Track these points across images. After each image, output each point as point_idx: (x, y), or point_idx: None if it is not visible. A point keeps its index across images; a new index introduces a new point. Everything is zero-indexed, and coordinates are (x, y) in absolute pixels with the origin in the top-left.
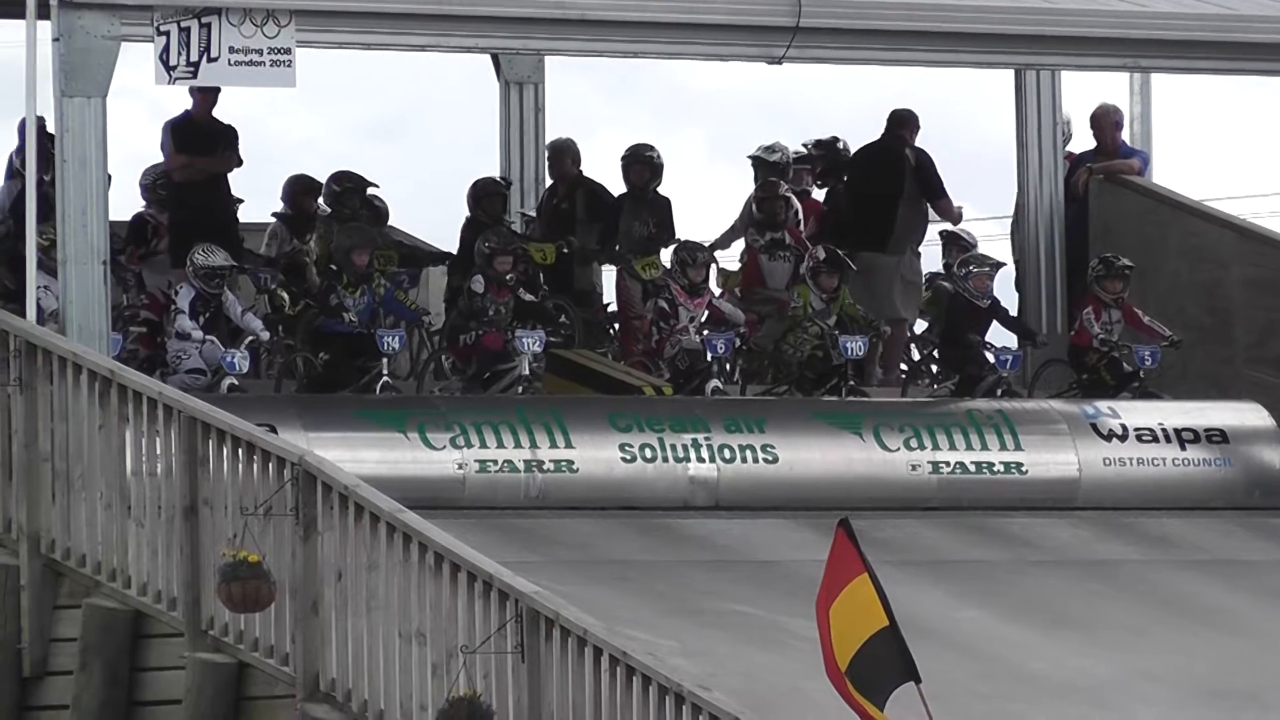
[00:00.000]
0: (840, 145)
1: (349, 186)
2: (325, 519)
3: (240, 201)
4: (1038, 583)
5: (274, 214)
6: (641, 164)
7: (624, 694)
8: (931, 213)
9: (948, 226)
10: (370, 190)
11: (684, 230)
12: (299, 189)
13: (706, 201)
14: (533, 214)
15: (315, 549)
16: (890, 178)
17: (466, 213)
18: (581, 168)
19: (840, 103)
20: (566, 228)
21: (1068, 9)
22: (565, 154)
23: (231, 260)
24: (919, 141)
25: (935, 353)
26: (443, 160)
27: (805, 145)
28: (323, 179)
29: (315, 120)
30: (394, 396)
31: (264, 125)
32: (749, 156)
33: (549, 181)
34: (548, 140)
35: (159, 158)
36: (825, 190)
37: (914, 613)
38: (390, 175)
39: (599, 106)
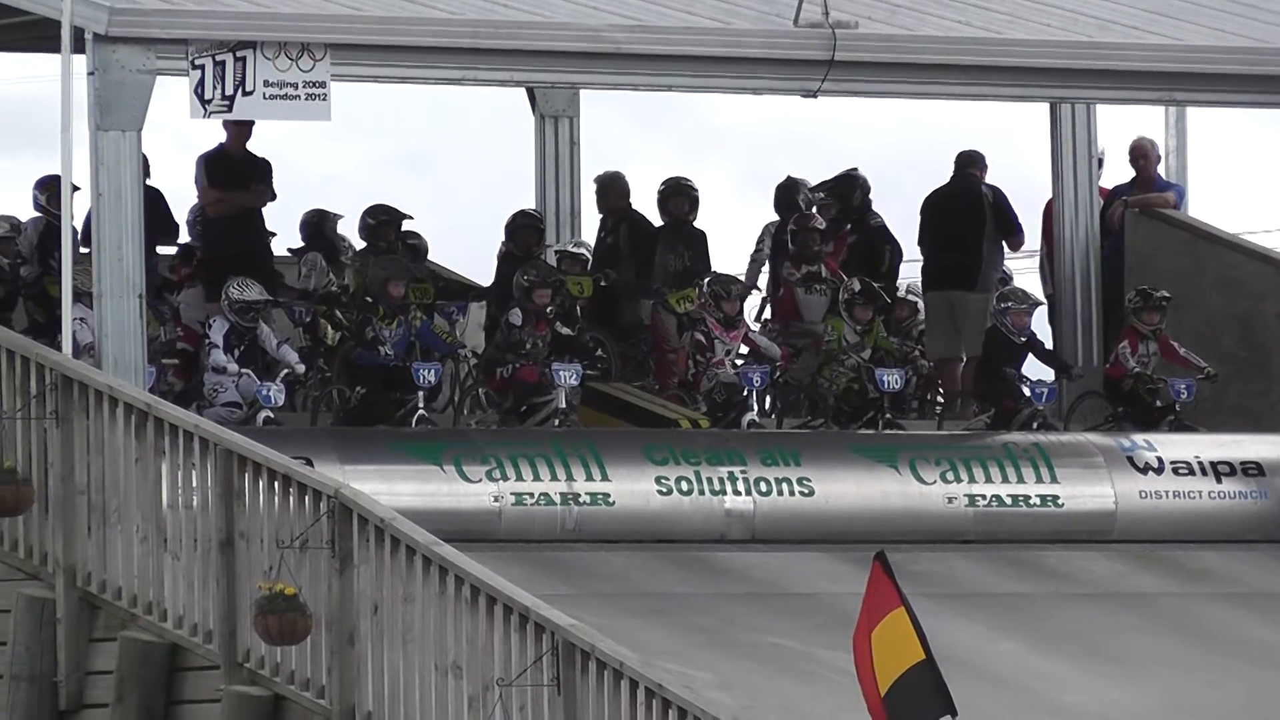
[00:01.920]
0: (855, 174)
1: (384, 220)
2: (361, 552)
3: (274, 235)
4: (1073, 615)
5: (297, 248)
6: (681, 196)
7: None
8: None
9: None
10: (406, 224)
11: (718, 264)
12: (316, 220)
13: (737, 235)
14: (576, 250)
15: (351, 581)
16: (971, 217)
17: (500, 245)
18: (630, 201)
19: (867, 136)
20: (613, 261)
21: (1103, 42)
22: (611, 188)
23: (266, 295)
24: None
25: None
26: (475, 194)
27: (819, 191)
28: (351, 212)
29: (345, 153)
30: (430, 429)
31: (292, 158)
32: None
33: (592, 214)
34: (582, 173)
35: (186, 189)
36: (849, 220)
37: (950, 646)
38: (422, 209)
39: (626, 140)
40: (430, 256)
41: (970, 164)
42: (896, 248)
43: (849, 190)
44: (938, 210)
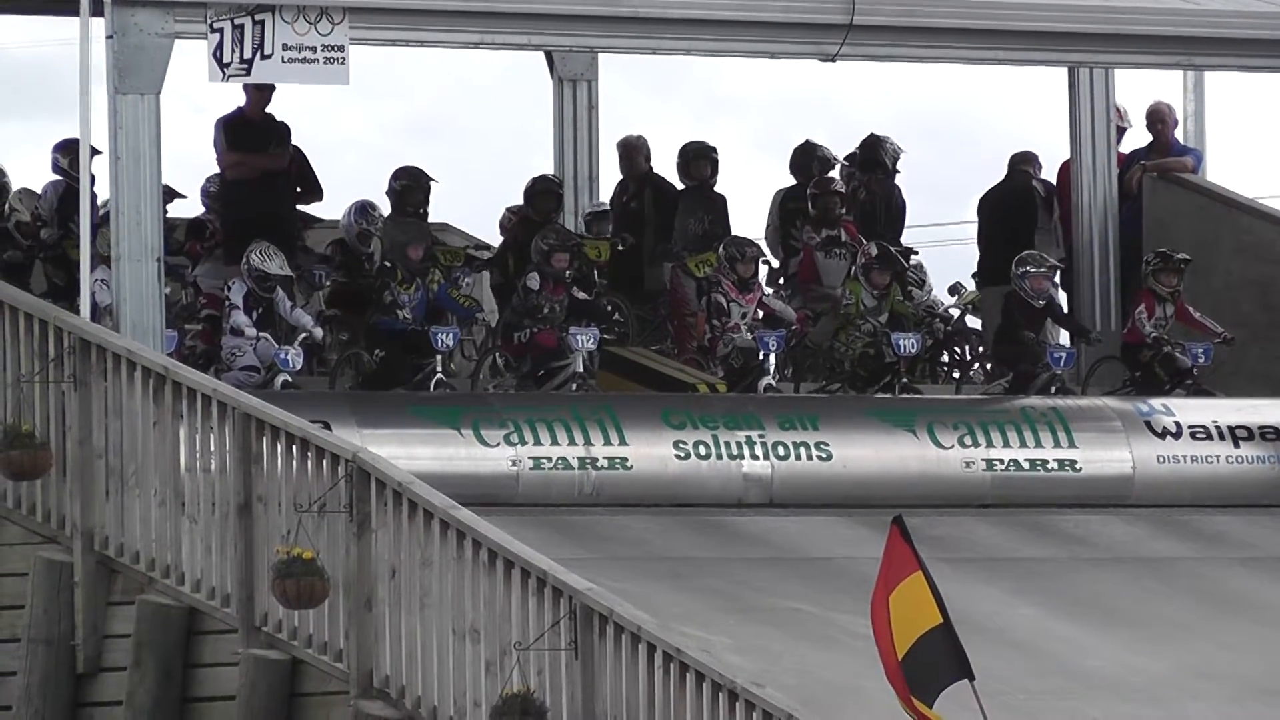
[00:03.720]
0: (887, 143)
1: (409, 183)
2: (379, 516)
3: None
4: (1091, 580)
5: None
6: (702, 159)
7: (677, 691)
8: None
9: None
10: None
11: (737, 227)
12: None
13: (751, 199)
14: (605, 207)
15: (369, 546)
16: (1023, 211)
17: (503, 212)
18: (652, 165)
19: (882, 101)
20: (636, 225)
21: (1121, 6)
22: (637, 151)
23: (286, 269)
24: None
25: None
26: (492, 158)
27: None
28: (369, 176)
29: (360, 117)
30: (448, 393)
31: (305, 122)
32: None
33: (610, 178)
34: (601, 137)
35: (200, 155)
36: (864, 182)
37: (968, 610)
38: (439, 173)
39: (639, 104)
40: (447, 220)
41: (1024, 162)
42: (898, 204)
43: (873, 159)
44: (991, 208)
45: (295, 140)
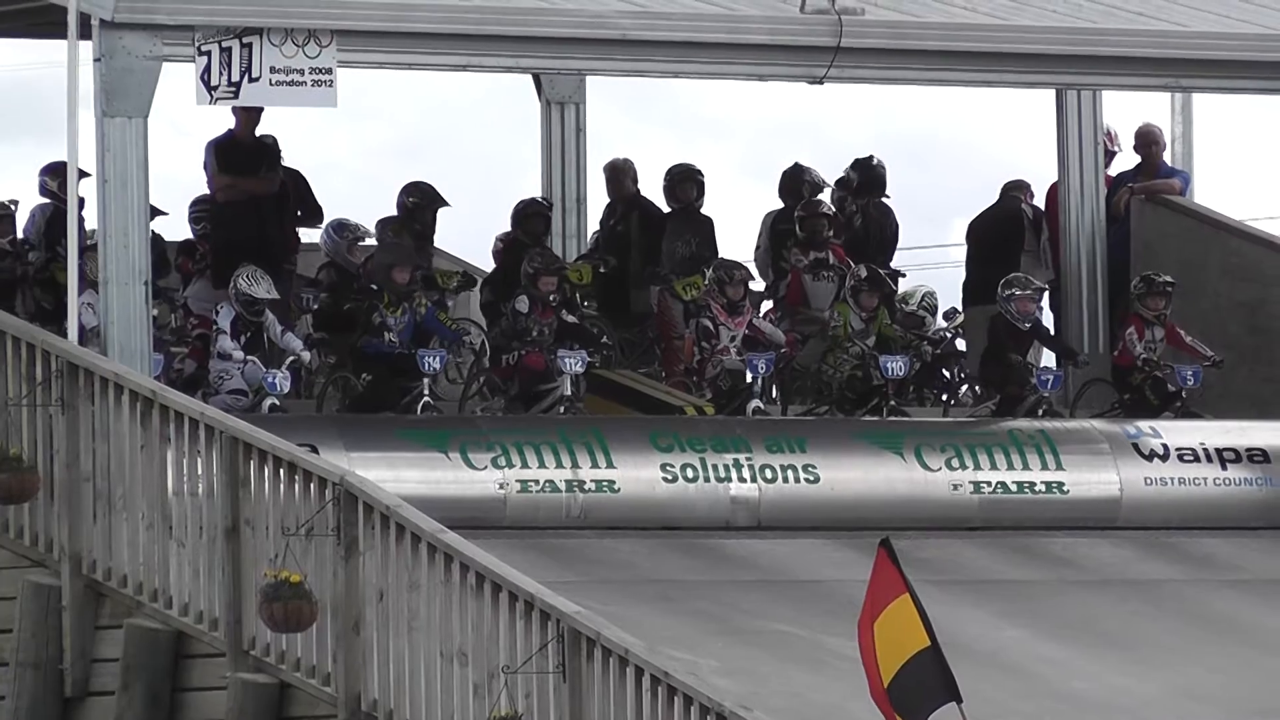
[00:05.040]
0: (876, 163)
1: (421, 204)
2: (367, 539)
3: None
4: (1079, 602)
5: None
6: (688, 182)
7: (665, 714)
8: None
9: None
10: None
11: (724, 250)
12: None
13: (737, 222)
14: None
15: (357, 569)
16: (1010, 234)
17: (494, 240)
18: (639, 187)
19: (867, 124)
20: (622, 248)
21: (1109, 29)
22: (624, 174)
23: (274, 293)
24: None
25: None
26: (480, 181)
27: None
28: (354, 199)
29: (347, 140)
30: (436, 416)
31: (291, 145)
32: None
33: (597, 201)
34: (588, 160)
35: (185, 177)
36: (862, 206)
37: (956, 632)
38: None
39: (624, 127)
40: (435, 243)
41: (1015, 189)
42: (892, 227)
43: (866, 181)
44: (979, 230)
45: (286, 163)
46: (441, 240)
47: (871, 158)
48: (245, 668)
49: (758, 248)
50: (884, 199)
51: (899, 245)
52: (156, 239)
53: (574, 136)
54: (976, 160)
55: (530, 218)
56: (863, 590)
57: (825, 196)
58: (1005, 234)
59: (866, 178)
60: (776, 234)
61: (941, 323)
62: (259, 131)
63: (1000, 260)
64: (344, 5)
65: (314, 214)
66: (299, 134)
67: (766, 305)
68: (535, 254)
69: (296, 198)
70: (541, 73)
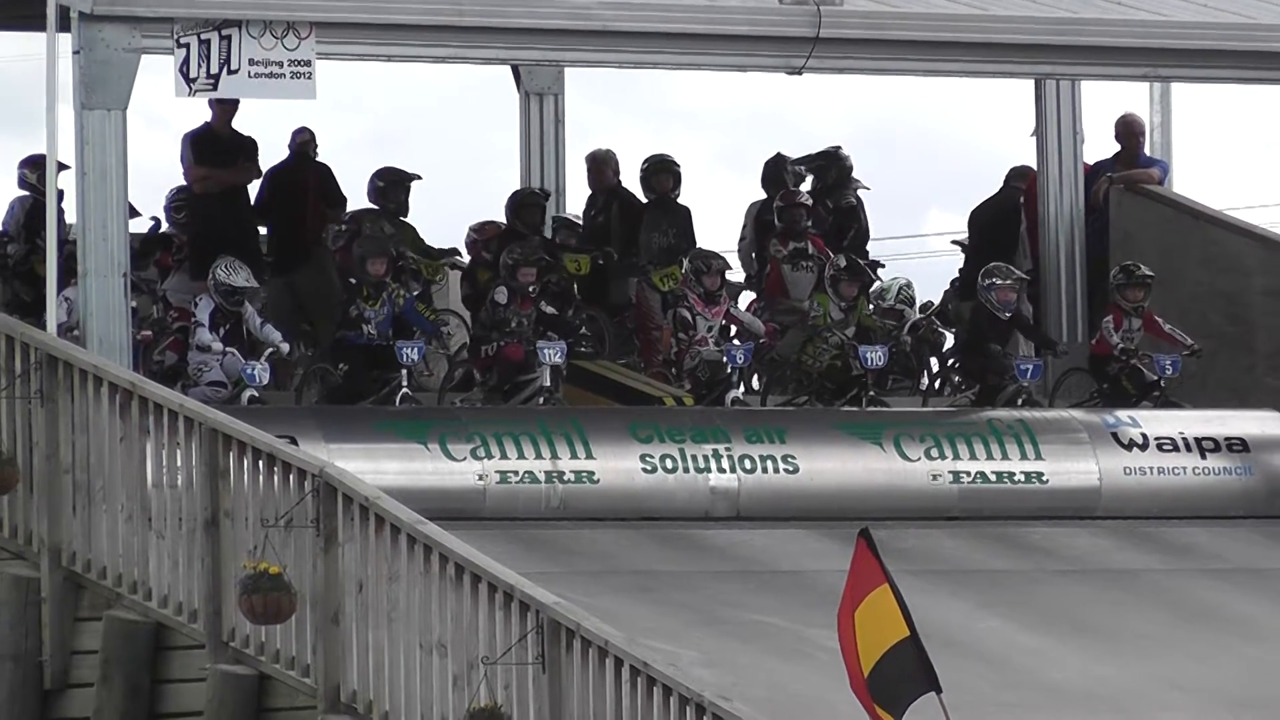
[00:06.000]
0: (843, 154)
1: (394, 180)
2: (346, 530)
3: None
4: (1059, 592)
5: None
6: (665, 172)
7: (645, 705)
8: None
9: (962, 234)
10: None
11: (701, 240)
12: None
13: (714, 212)
14: (577, 220)
15: (336, 560)
16: (1006, 225)
17: (468, 232)
18: (620, 178)
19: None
20: (602, 239)
21: (1087, 18)
22: (605, 164)
23: (253, 281)
24: None
25: (956, 363)
26: (457, 172)
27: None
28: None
29: (322, 131)
30: (415, 408)
31: (272, 136)
32: (803, 159)
33: (577, 191)
34: (567, 150)
35: (161, 170)
36: (832, 201)
37: (935, 622)
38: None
39: (601, 118)
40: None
41: (1017, 178)
42: (861, 229)
43: (826, 167)
44: (978, 221)
45: (320, 158)
46: (419, 230)
47: (838, 148)
48: (225, 659)
49: (742, 239)
50: (854, 190)
51: (872, 236)
52: (328, 172)
53: (553, 127)
54: (955, 151)
55: (527, 207)
56: (842, 580)
57: (806, 187)
58: (1001, 226)
59: (839, 171)
60: (761, 224)
61: (919, 315)
62: (236, 125)
63: (997, 251)
64: None
65: (338, 203)
66: (273, 126)
67: (750, 296)
68: (515, 245)
69: (322, 187)
70: (521, 64)
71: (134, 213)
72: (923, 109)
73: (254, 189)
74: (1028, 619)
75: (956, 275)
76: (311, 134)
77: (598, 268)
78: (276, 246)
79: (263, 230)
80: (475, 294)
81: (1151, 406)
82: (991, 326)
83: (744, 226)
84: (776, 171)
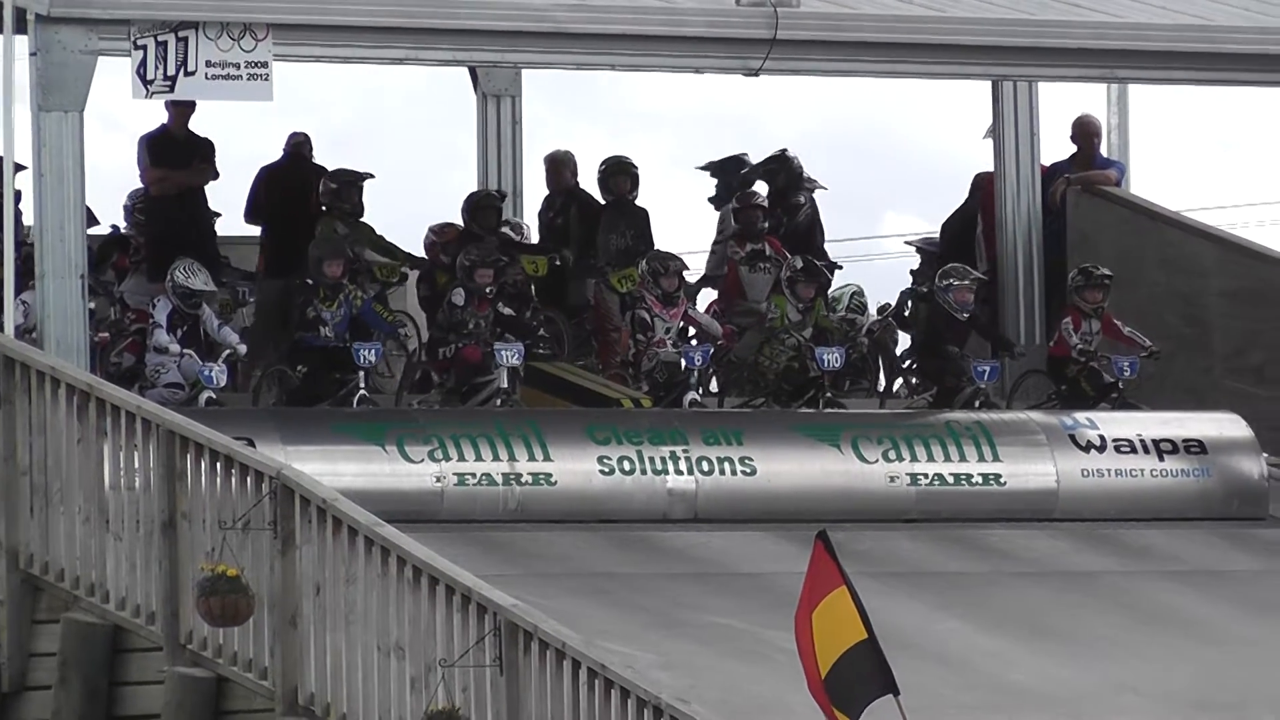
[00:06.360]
0: (790, 155)
1: (346, 180)
2: (304, 532)
3: (218, 215)
4: (1017, 594)
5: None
6: (622, 174)
7: (602, 707)
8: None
9: (916, 236)
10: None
11: (659, 242)
12: None
13: (674, 214)
14: (525, 223)
15: (294, 562)
16: (969, 231)
17: (427, 233)
18: (578, 180)
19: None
20: (561, 240)
21: (1045, 20)
22: (564, 166)
23: (211, 284)
24: None
25: (914, 364)
26: (414, 174)
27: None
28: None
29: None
30: (372, 409)
31: (230, 139)
32: (707, 166)
33: (534, 193)
34: (524, 152)
35: (116, 172)
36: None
37: (893, 624)
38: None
39: (560, 121)
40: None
41: (985, 183)
42: (810, 226)
43: (775, 171)
44: (949, 231)
45: (317, 160)
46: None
47: (784, 150)
48: (182, 661)
49: (716, 240)
50: (805, 190)
51: (827, 238)
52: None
53: (510, 129)
54: (912, 152)
55: (484, 210)
56: (800, 582)
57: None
58: (966, 233)
59: (790, 175)
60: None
61: (874, 317)
62: (192, 127)
63: (958, 256)
64: None
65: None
66: (227, 128)
67: (712, 295)
68: (471, 247)
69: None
70: (475, 65)
71: (93, 220)
72: (880, 110)
73: (211, 190)
74: (986, 621)
75: (910, 276)
76: (306, 136)
77: (555, 269)
78: (271, 247)
79: (256, 231)
80: (433, 296)
81: (1109, 408)
82: (949, 328)
83: (720, 229)
84: (727, 173)
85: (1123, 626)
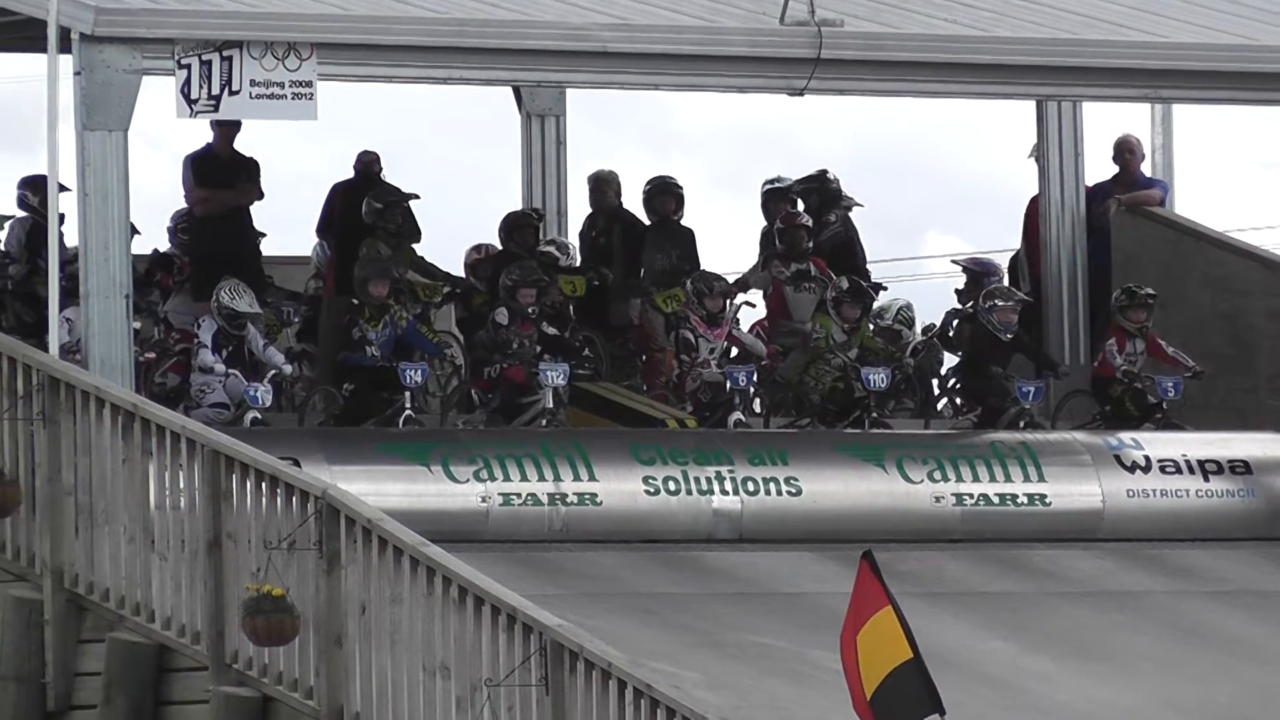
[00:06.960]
0: (830, 177)
1: (391, 200)
2: (349, 552)
3: (263, 235)
4: (1061, 614)
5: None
6: (667, 194)
7: None
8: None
9: (963, 255)
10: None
11: (705, 262)
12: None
13: (717, 234)
14: (571, 244)
15: (339, 582)
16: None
17: (468, 251)
18: (622, 200)
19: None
20: (604, 260)
21: (1088, 39)
22: (608, 185)
23: (256, 306)
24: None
25: (958, 385)
26: (458, 193)
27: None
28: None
29: (322, 152)
30: (417, 429)
31: (276, 158)
32: (765, 188)
33: (578, 213)
34: (569, 172)
35: (161, 191)
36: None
37: (938, 644)
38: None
39: (603, 140)
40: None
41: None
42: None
43: (812, 190)
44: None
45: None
46: (422, 251)
47: (825, 171)
48: (227, 681)
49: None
50: (842, 208)
51: (869, 259)
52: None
53: (554, 149)
54: (955, 172)
55: (521, 229)
56: (845, 603)
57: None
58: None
59: (825, 194)
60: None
61: (919, 335)
62: (237, 146)
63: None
64: (324, 18)
65: (412, 233)
66: (271, 146)
67: (759, 315)
68: (514, 266)
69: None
70: (521, 85)
71: (134, 231)
72: (923, 130)
73: (256, 210)
74: (1030, 641)
75: (955, 295)
76: (376, 155)
77: (594, 289)
78: (341, 266)
79: (303, 250)
80: (470, 317)
81: (1154, 428)
82: (992, 348)
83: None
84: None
85: (1167, 647)
